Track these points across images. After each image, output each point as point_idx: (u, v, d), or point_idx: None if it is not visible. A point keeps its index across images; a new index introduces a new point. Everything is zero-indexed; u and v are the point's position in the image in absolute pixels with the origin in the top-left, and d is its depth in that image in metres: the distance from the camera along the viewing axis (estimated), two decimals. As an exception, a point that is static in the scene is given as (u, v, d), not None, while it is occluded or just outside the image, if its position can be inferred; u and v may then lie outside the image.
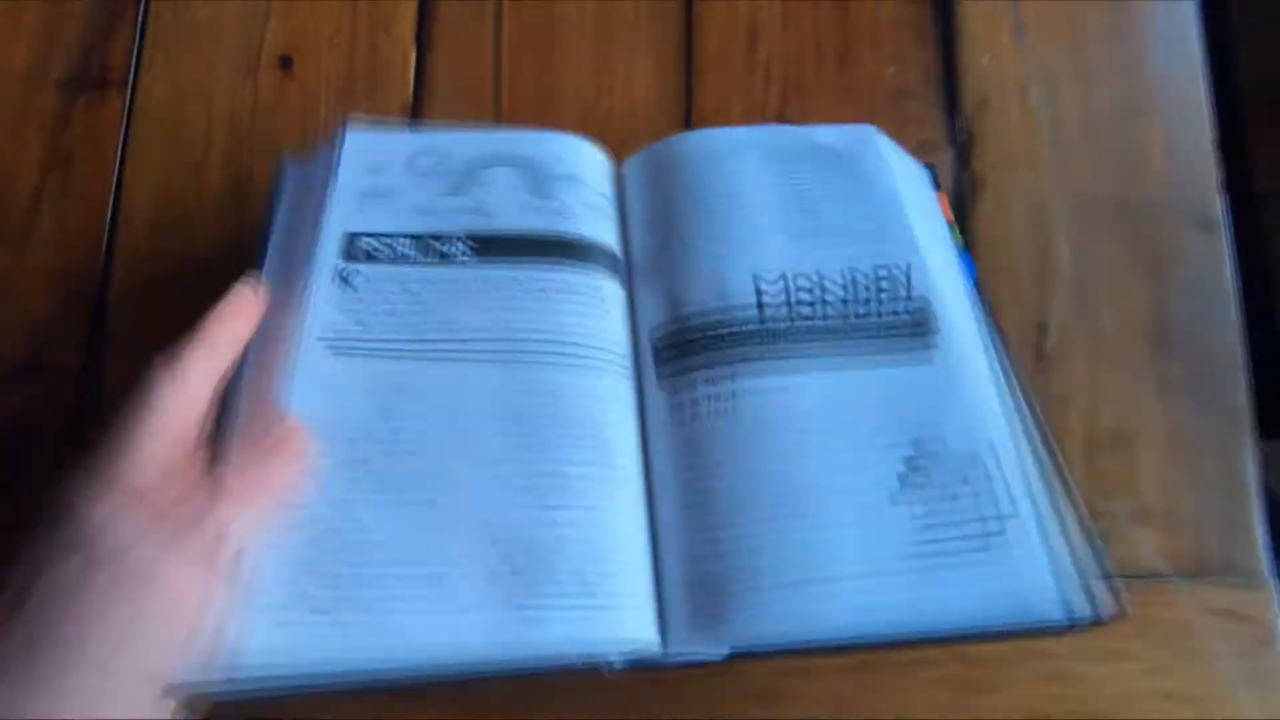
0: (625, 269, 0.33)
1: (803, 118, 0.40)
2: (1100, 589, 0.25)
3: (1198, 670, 0.34)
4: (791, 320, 0.30)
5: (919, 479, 0.27)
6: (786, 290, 0.30)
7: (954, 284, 0.32)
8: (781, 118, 0.40)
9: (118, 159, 0.40)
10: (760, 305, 0.30)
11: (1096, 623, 0.25)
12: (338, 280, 0.30)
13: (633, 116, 0.40)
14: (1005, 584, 0.25)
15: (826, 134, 0.35)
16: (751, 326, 0.30)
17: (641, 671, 0.26)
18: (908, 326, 0.30)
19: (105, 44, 0.41)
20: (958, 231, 0.36)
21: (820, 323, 0.30)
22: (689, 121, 0.40)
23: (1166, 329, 0.38)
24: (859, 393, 0.29)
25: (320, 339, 0.29)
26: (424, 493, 0.26)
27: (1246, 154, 1.12)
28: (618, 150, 0.40)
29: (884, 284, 0.30)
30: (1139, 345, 0.38)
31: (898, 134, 0.40)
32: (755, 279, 0.30)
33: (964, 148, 0.40)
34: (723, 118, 0.40)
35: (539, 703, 0.33)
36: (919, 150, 0.40)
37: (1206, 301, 0.38)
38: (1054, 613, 0.25)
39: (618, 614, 0.26)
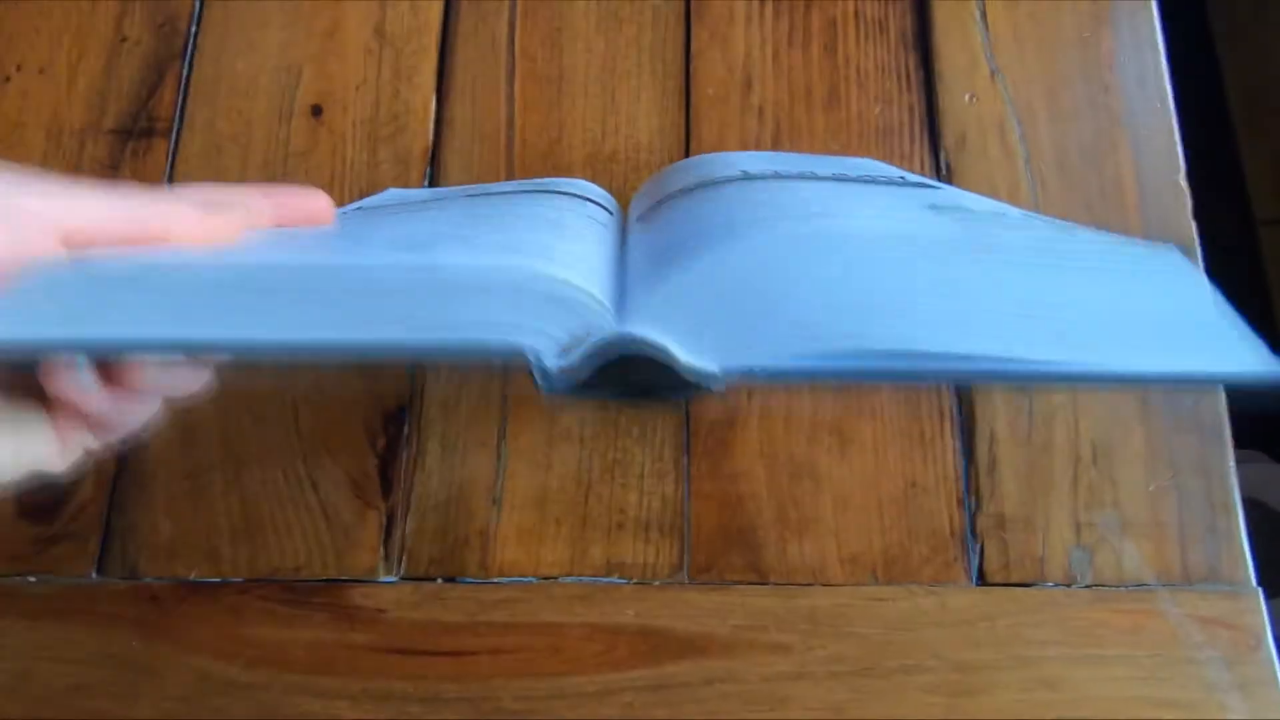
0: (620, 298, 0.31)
1: (795, 155, 0.43)
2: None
3: (1185, 676, 0.35)
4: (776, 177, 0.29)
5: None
6: (774, 169, 0.30)
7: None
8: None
9: (161, 200, 0.44)
10: (745, 175, 0.29)
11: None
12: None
13: (636, 155, 0.43)
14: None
15: (826, 161, 0.37)
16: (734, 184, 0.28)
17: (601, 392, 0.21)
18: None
19: (153, 97, 0.45)
20: None
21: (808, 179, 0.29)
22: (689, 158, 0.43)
23: (1145, 348, 0.40)
24: (862, 192, 0.28)
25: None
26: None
27: (1244, 183, 1.14)
28: (622, 184, 0.43)
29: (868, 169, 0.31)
30: (1118, 364, 0.39)
31: (884, 168, 0.43)
32: (743, 170, 0.30)
33: (946, 181, 0.42)
34: (719, 156, 0.43)
35: (546, 710, 0.34)
36: (904, 183, 0.43)
37: (1183, 322, 0.40)
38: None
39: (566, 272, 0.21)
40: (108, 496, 0.39)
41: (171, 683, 0.36)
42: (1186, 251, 0.41)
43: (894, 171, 0.34)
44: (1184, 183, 0.42)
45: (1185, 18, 1.17)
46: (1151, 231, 0.41)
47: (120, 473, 0.39)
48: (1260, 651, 0.35)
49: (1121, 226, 0.41)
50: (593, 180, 0.43)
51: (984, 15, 0.45)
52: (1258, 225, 1.10)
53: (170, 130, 0.45)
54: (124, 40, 0.46)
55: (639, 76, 0.45)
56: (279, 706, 0.35)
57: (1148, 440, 0.38)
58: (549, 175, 0.43)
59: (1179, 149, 0.43)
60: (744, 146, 0.43)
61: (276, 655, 0.36)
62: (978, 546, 0.37)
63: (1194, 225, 0.41)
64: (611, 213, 0.35)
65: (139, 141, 0.45)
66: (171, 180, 0.44)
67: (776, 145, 0.43)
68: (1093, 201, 0.42)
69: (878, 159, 0.43)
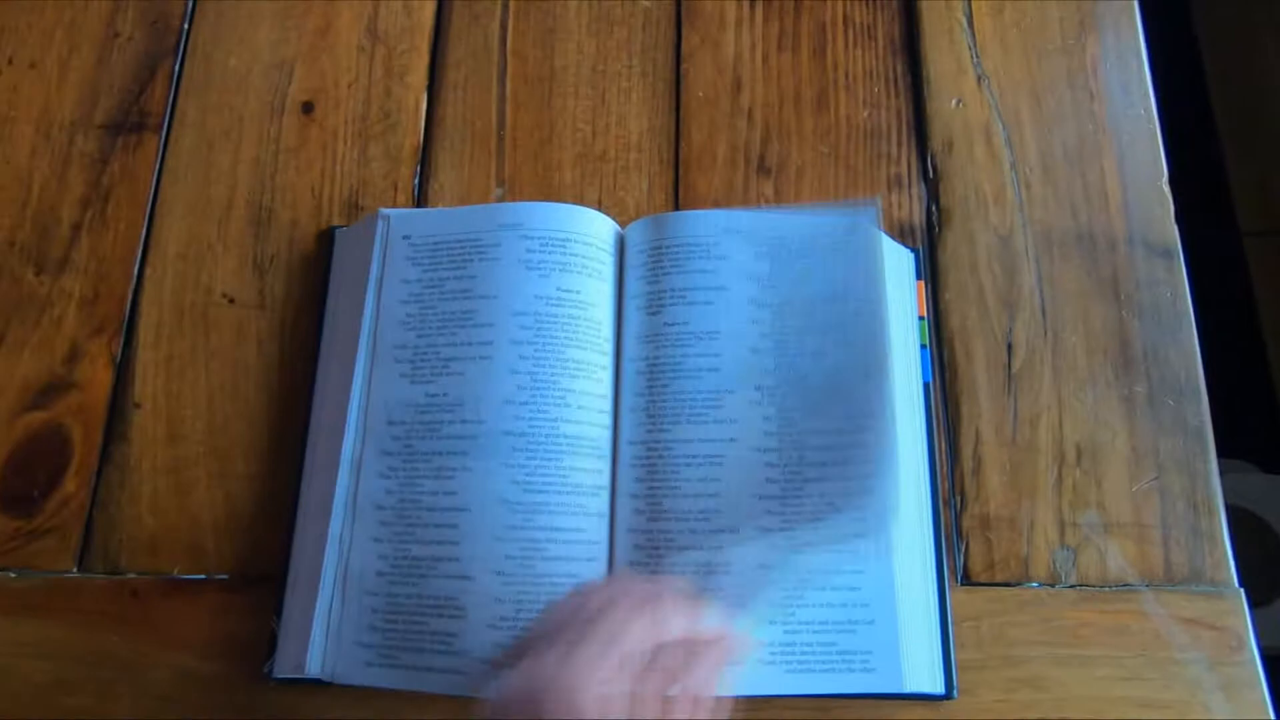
0: (616, 334, 0.38)
1: (783, 157, 0.43)
2: (944, 676, 0.34)
3: (1169, 677, 0.35)
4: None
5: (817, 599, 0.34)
6: (741, 461, 0.35)
7: (901, 412, 0.36)
8: (763, 158, 0.44)
9: (151, 196, 0.44)
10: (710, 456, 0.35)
11: (944, 698, 0.35)
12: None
13: (626, 155, 0.44)
14: (865, 680, 0.33)
15: (820, 227, 0.38)
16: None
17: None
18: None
19: (144, 93, 0.45)
20: (927, 326, 0.39)
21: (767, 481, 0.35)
22: (678, 158, 0.44)
23: (1128, 351, 0.40)
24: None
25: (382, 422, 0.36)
26: (453, 568, 0.34)
27: (1230, 196, 1.16)
28: (612, 184, 0.43)
29: (828, 459, 0.35)
30: (1102, 365, 0.40)
31: (871, 171, 0.43)
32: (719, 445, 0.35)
33: (933, 184, 0.43)
34: (709, 156, 0.43)
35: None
36: (893, 185, 0.43)
37: (1166, 325, 0.40)
38: (905, 689, 0.33)
39: None
40: (90, 492, 0.39)
41: (153, 680, 0.36)
42: (1169, 255, 0.42)
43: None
44: (1167, 188, 0.43)
45: (1171, 31, 1.19)
46: (1135, 235, 0.42)
47: (103, 468, 0.39)
48: (1243, 653, 0.35)
49: (1105, 230, 0.42)
50: (581, 180, 0.43)
51: (971, 22, 0.46)
52: (1243, 237, 1.11)
53: (161, 126, 0.45)
54: (116, 36, 0.46)
55: (629, 77, 0.45)
56: (263, 704, 0.35)
57: (1131, 441, 0.38)
58: (540, 174, 0.43)
59: (1162, 154, 0.43)
60: (733, 149, 0.44)
61: (261, 652, 0.35)
62: (963, 546, 0.37)
63: (1176, 229, 0.42)
64: (609, 254, 0.38)
65: (129, 136, 0.45)
66: (160, 178, 0.44)
67: (765, 147, 0.44)
68: (1077, 205, 0.42)
69: (864, 161, 0.43)
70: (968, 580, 0.37)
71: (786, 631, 0.33)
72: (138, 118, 0.45)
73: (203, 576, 0.37)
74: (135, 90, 0.45)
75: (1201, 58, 1.18)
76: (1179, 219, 0.42)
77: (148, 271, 0.42)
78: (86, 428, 0.40)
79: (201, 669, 0.36)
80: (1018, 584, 0.37)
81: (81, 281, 0.42)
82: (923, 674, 0.34)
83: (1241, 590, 0.36)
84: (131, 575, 0.37)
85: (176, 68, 0.46)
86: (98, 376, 0.40)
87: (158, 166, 0.44)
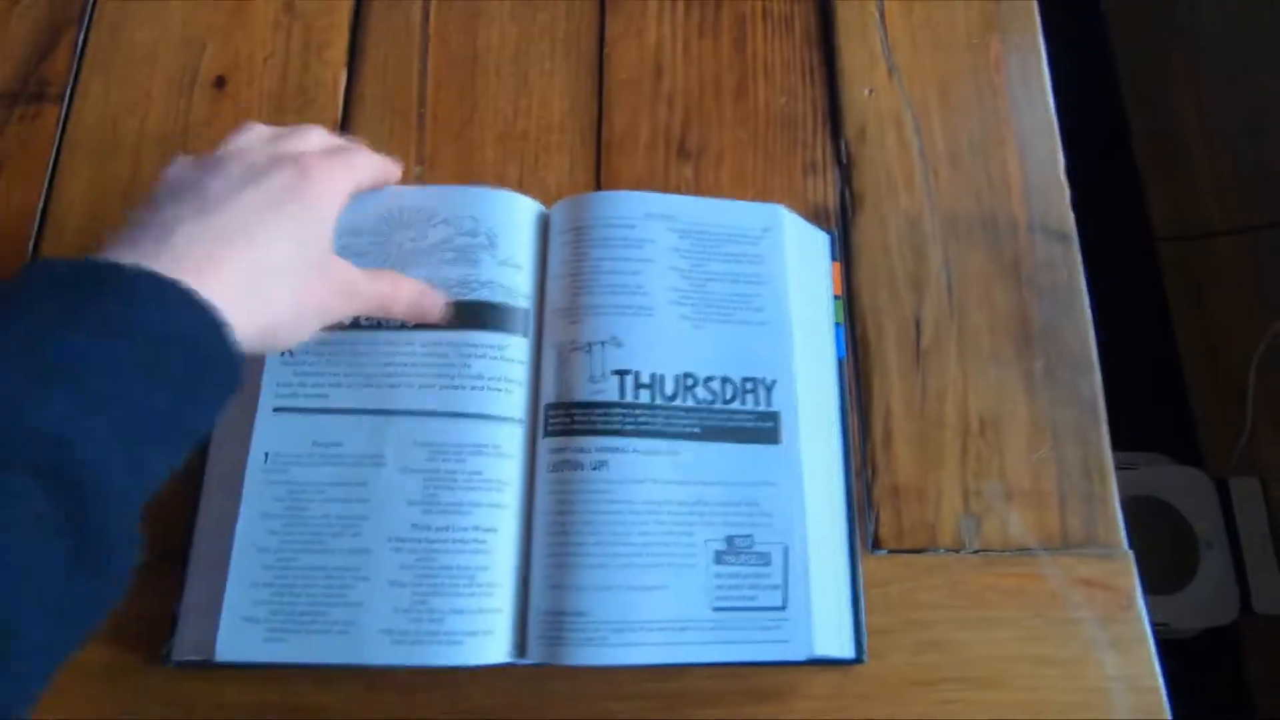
0: (537, 309, 0.38)
1: (703, 142, 0.44)
2: (854, 641, 0.35)
3: (1065, 635, 0.37)
4: (662, 413, 0.36)
5: (731, 559, 0.34)
6: (664, 391, 0.36)
7: (816, 386, 0.38)
8: (684, 142, 0.44)
9: (49, 169, 0.42)
10: (636, 400, 0.35)
11: (854, 662, 0.35)
12: (284, 353, 0.36)
13: (548, 135, 0.44)
14: (777, 648, 0.34)
15: (736, 214, 0.39)
16: (627, 419, 0.35)
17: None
18: (755, 430, 0.36)
19: (45, 62, 0.44)
20: (843, 305, 0.40)
21: (682, 416, 0.36)
22: (600, 140, 0.44)
23: (1028, 329, 0.42)
24: (704, 467, 0.35)
25: (272, 402, 0.35)
26: (350, 536, 0.34)
27: (1145, 205, 1.22)
28: (534, 162, 0.43)
29: (748, 394, 0.36)
30: (1004, 343, 0.41)
31: (788, 157, 0.45)
32: (637, 378, 0.36)
33: (847, 169, 0.44)
34: (631, 139, 0.44)
35: (520, 704, 0.34)
36: (808, 170, 0.44)
37: (1063, 304, 0.42)
38: (815, 654, 0.34)
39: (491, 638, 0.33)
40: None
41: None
42: (1066, 239, 0.44)
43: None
44: (1064, 177, 0.45)
45: (1089, 56, 1.25)
46: (1034, 220, 0.44)
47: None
48: (1132, 610, 0.37)
49: (1007, 215, 0.44)
50: (502, 159, 0.43)
51: (883, 17, 0.48)
52: (1156, 242, 1.18)
53: (62, 97, 0.43)
54: (16, 3, 0.44)
55: (553, 59, 0.46)
56: (159, 691, 0.34)
57: (1030, 413, 0.40)
58: (460, 153, 0.43)
59: (1059, 147, 0.46)
60: (654, 132, 0.44)
61: (160, 638, 0.34)
62: (874, 515, 0.38)
63: (1072, 215, 0.44)
64: (527, 256, 0.38)
65: (27, 106, 0.43)
66: (60, 151, 0.42)
67: (686, 132, 0.45)
68: (981, 191, 0.44)
69: (781, 146, 0.44)
70: (878, 548, 0.38)
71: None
72: (37, 88, 0.43)
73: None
74: (35, 59, 0.44)
75: (1119, 81, 1.25)
76: (1098, 226, 0.44)
77: (44, 247, 0.40)
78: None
79: (92, 657, 0.34)
80: (925, 550, 0.38)
81: (-29, 256, 0.40)
82: (833, 639, 0.35)
83: (1130, 553, 0.38)
84: None
85: (81, 38, 0.44)
86: (-13, 355, 0.38)
87: (57, 139, 0.42)
